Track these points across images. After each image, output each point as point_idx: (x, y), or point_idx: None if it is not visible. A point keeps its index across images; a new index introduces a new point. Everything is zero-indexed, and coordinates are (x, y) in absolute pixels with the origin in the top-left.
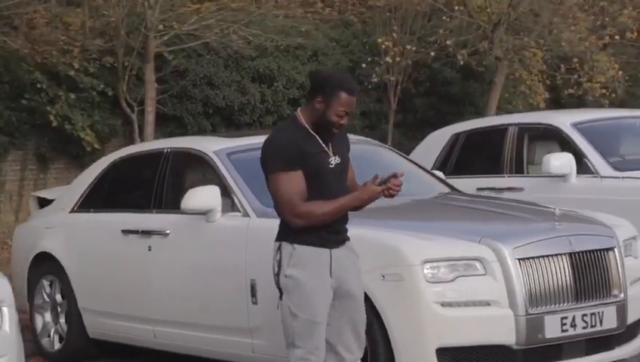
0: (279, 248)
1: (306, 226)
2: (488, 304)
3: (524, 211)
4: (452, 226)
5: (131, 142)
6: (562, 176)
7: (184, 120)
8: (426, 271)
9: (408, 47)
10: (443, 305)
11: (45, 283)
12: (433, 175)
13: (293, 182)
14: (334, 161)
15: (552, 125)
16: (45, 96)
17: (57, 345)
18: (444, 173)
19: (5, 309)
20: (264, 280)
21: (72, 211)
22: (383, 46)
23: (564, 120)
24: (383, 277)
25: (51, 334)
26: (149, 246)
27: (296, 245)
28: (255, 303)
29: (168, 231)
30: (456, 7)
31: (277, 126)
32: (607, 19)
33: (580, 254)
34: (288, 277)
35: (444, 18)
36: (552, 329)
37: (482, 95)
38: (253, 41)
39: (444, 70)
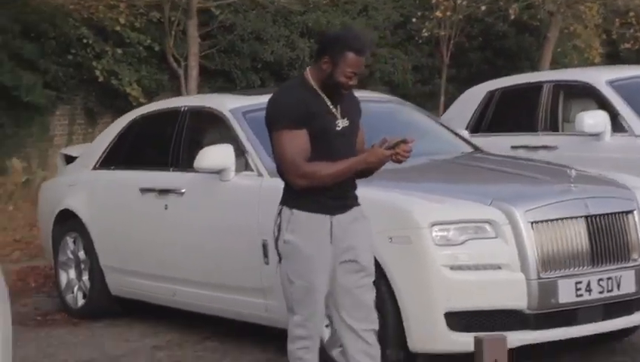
0: (280, 212)
1: (309, 187)
2: (499, 267)
3: (542, 172)
4: (464, 188)
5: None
6: (596, 135)
7: (232, 75)
8: (434, 233)
9: (459, 1)
10: (452, 268)
11: (69, 240)
12: (457, 134)
13: (297, 141)
14: (342, 123)
15: (587, 83)
16: (92, 51)
17: (81, 302)
18: (478, 130)
19: None
20: None
21: (94, 168)
22: (434, 0)
23: (599, 77)
24: (391, 239)
25: (75, 291)
26: (166, 205)
27: (294, 210)
28: (267, 263)
29: (184, 190)
30: None
31: (284, 84)
32: None
33: (597, 217)
34: (286, 242)
35: None
36: (566, 293)
37: (538, 49)
38: None
39: (497, 24)
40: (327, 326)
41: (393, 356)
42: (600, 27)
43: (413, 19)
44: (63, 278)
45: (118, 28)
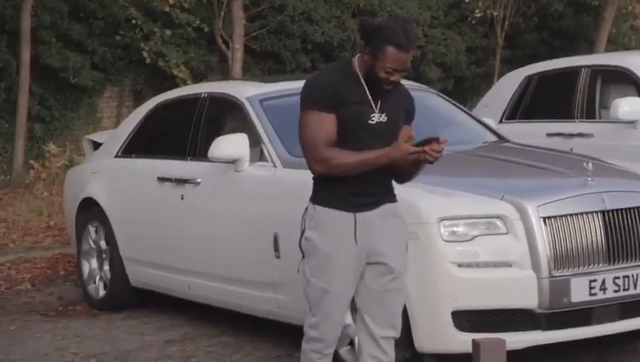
0: (306, 208)
1: (326, 174)
2: (509, 265)
3: (562, 165)
4: (477, 181)
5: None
6: (632, 123)
7: (282, 56)
8: (442, 229)
9: None
10: (460, 265)
11: (91, 228)
12: (482, 123)
13: (322, 124)
14: (378, 118)
15: (624, 67)
16: (140, 32)
17: (102, 293)
18: (515, 117)
19: None
20: (287, 234)
21: (117, 156)
22: None
23: (637, 61)
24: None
25: (97, 281)
26: (182, 195)
27: (317, 206)
28: (278, 257)
29: (199, 180)
30: None
31: (329, 64)
32: None
33: (614, 212)
34: (307, 239)
35: None
36: (579, 292)
37: (596, 29)
38: None
39: (553, 3)
40: None
41: (400, 355)
42: None
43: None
44: (86, 268)
45: (167, 8)
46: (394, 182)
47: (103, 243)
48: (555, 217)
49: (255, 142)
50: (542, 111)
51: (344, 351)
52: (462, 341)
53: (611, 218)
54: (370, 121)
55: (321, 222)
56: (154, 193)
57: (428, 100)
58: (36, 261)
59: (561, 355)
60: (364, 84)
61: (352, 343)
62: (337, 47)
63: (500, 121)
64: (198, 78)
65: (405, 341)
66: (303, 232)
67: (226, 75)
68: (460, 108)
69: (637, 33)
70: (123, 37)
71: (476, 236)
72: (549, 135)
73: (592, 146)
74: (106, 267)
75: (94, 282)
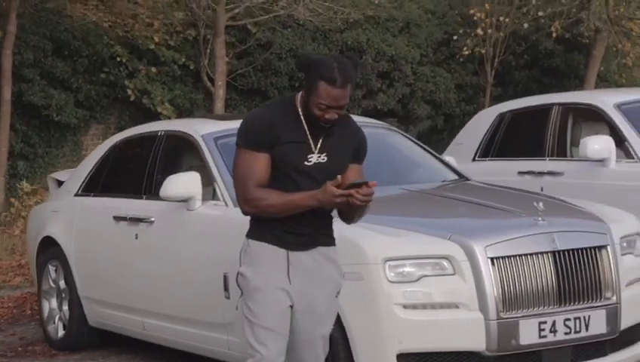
0: (243, 244)
1: (255, 214)
2: (456, 306)
3: (517, 204)
4: (425, 221)
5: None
6: (601, 161)
7: (269, 93)
8: (387, 270)
9: (501, 18)
10: (405, 307)
11: (51, 268)
12: (443, 162)
13: (254, 163)
14: (316, 158)
15: (594, 105)
16: (125, 70)
17: (61, 333)
18: (488, 155)
19: None
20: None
21: (76, 195)
22: (475, 17)
23: (607, 100)
24: (343, 275)
25: (56, 321)
26: (136, 234)
27: (250, 241)
28: (228, 298)
29: (153, 219)
30: None
31: (271, 100)
32: None
33: (565, 253)
34: (240, 274)
35: None
36: (528, 334)
37: (586, 67)
38: (322, 14)
39: (543, 42)
40: None
41: None
42: None
43: (454, 37)
44: (45, 308)
45: (152, 46)
46: (340, 222)
47: (62, 283)
48: (503, 257)
49: (210, 180)
50: (514, 149)
51: None
52: None
53: (562, 258)
54: (306, 163)
55: (253, 256)
56: (110, 232)
57: (389, 138)
58: (3, 300)
59: None
60: (304, 122)
61: None
62: None
63: (473, 159)
64: (183, 115)
65: None
66: (239, 269)
67: (211, 112)
68: (421, 146)
69: (627, 71)
70: (108, 74)
71: (422, 276)
72: (521, 173)
73: (563, 185)
74: (65, 307)
75: (54, 322)
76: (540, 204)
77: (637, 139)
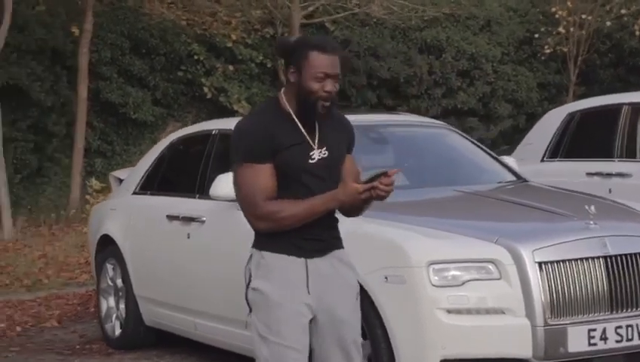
0: (251, 255)
1: (271, 230)
2: (502, 312)
3: (570, 207)
4: (473, 224)
5: None
6: None
7: (347, 92)
8: (431, 273)
9: (583, 16)
10: (449, 312)
11: (109, 266)
12: (501, 163)
13: (259, 177)
14: (318, 155)
15: None
16: (202, 68)
17: (118, 332)
18: (557, 156)
19: None
20: None
21: (134, 193)
22: (557, 15)
23: None
24: (386, 278)
25: (113, 319)
26: (188, 234)
27: (264, 253)
28: None
29: (204, 219)
30: None
31: (254, 108)
32: None
33: (617, 258)
34: (255, 290)
35: None
36: (577, 342)
37: None
38: (397, 11)
39: (627, 40)
40: None
41: None
42: None
43: (536, 35)
44: (104, 306)
45: (230, 44)
46: (381, 224)
47: (119, 282)
48: (551, 262)
49: None
50: (583, 150)
51: None
52: None
53: (614, 263)
54: (310, 161)
55: (269, 269)
56: (163, 231)
57: (446, 138)
58: (68, 297)
59: None
60: (296, 120)
61: None
62: (404, 82)
63: (542, 160)
64: None
65: None
66: (248, 284)
67: None
68: (479, 147)
69: None
70: (185, 72)
71: (467, 281)
72: (589, 174)
73: (632, 187)
74: (122, 305)
75: (111, 321)
76: (592, 207)
77: None
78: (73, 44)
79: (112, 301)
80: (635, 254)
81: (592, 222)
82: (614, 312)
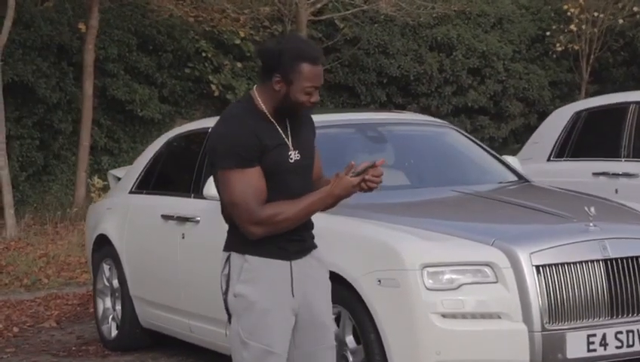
0: (227, 259)
1: (268, 234)
2: (498, 316)
3: (570, 208)
4: (469, 225)
5: None
6: None
7: (357, 90)
8: (425, 276)
9: (596, 14)
10: (444, 316)
11: (105, 266)
12: (503, 162)
13: (251, 181)
14: (295, 154)
15: None
16: (210, 65)
17: (114, 333)
18: (563, 155)
19: None
20: None
21: (131, 192)
22: (569, 13)
23: None
24: (380, 281)
25: (109, 321)
26: (183, 234)
27: (248, 256)
28: None
29: (199, 219)
30: None
31: (228, 109)
32: None
33: (618, 261)
34: (237, 295)
35: None
36: (576, 348)
37: None
38: (405, 8)
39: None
40: None
41: None
42: None
43: (547, 33)
44: (100, 307)
45: (238, 41)
46: (375, 225)
47: (115, 282)
48: (549, 265)
49: None
50: (589, 149)
51: None
52: None
53: (614, 267)
54: (289, 161)
55: (254, 273)
56: (158, 231)
57: (447, 138)
58: (68, 297)
59: None
60: (273, 121)
61: None
62: (414, 80)
63: (548, 159)
64: None
65: None
66: (226, 290)
67: None
68: (481, 146)
69: None
70: (192, 69)
71: (462, 284)
72: (595, 174)
73: (638, 187)
74: (118, 306)
75: (108, 322)
76: (592, 209)
77: None
78: (79, 41)
79: (108, 302)
80: (636, 257)
81: (591, 224)
82: (614, 317)
